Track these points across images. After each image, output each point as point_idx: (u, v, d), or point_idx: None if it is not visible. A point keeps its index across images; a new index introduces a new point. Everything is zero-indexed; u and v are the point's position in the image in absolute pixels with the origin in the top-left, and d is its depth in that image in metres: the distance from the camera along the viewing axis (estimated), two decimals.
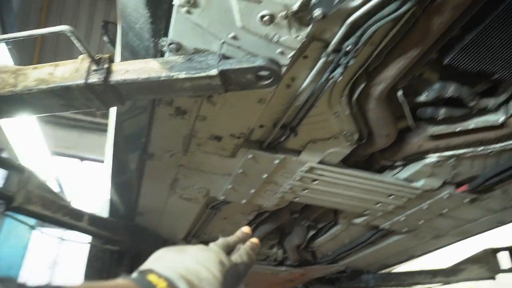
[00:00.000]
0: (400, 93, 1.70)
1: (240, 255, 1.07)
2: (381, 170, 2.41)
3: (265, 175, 2.33)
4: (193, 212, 2.99)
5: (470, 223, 2.86)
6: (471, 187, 2.34)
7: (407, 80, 1.68)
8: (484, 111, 1.85)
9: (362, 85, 1.65)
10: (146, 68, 1.47)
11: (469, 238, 3.22)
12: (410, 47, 1.47)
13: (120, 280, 0.83)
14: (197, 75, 1.43)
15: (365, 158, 2.32)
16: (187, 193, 2.66)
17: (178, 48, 1.46)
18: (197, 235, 3.57)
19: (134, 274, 0.87)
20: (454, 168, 2.23)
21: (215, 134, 1.99)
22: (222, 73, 1.42)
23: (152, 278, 0.82)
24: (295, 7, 1.28)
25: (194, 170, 2.36)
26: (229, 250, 1.10)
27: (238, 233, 1.23)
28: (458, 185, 2.41)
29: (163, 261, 0.92)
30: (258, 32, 1.37)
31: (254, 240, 1.22)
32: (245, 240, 1.20)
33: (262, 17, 1.31)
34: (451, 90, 1.65)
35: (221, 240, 1.12)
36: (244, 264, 1.04)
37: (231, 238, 1.16)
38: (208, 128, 1.94)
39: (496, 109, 1.84)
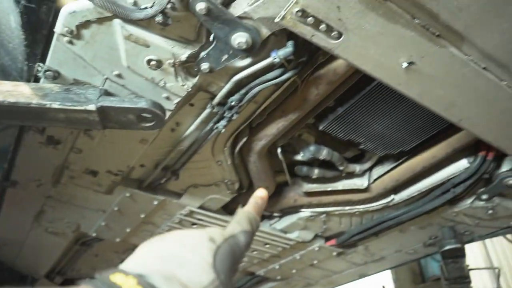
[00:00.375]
0: (279, 150, 1.79)
1: (238, 221, 0.85)
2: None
3: (142, 215, 2.23)
4: (59, 248, 2.71)
5: (336, 274, 3.05)
6: (339, 242, 2.51)
7: (287, 139, 1.78)
8: (351, 175, 2.03)
9: (244, 139, 1.71)
10: (15, 92, 1.33)
11: None
12: (290, 110, 1.57)
13: (82, 285, 0.65)
14: (73, 107, 1.34)
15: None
16: (54, 226, 2.41)
17: (56, 76, 1.37)
18: (62, 271, 3.24)
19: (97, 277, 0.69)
20: (324, 223, 2.38)
21: (91, 168, 1.87)
22: (101, 110, 1.35)
23: (116, 278, 0.65)
24: (183, 57, 1.29)
25: (65, 203, 2.16)
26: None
27: (252, 200, 0.98)
28: (328, 239, 2.58)
29: (138, 255, 0.76)
30: (144, 74, 1.35)
31: (257, 194, 0.98)
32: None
33: (149, 61, 1.30)
34: (324, 153, 1.79)
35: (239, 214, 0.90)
36: (244, 232, 0.82)
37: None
38: (84, 161, 1.82)
39: (361, 175, 2.03)
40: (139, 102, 1.37)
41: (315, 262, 2.81)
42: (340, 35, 1.17)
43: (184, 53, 1.29)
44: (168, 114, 1.49)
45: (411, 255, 2.73)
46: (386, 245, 2.59)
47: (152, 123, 1.43)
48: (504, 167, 1.84)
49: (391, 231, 2.39)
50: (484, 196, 1.97)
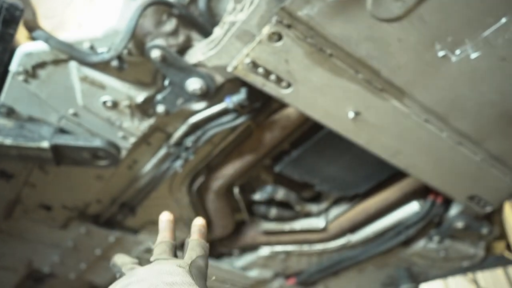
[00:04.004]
0: (236, 190, 1.82)
1: (191, 249, 0.86)
2: (219, 256, 2.46)
3: (99, 251, 2.18)
4: (9, 284, 2.60)
5: None
6: (299, 281, 2.51)
7: (244, 179, 1.81)
8: (309, 215, 2.07)
9: (202, 179, 1.73)
10: None
11: None
12: (246, 152, 1.61)
13: None
14: (25, 144, 1.34)
15: None
16: (4, 261, 2.32)
17: (10, 113, 1.36)
18: None
19: None
20: (284, 262, 2.38)
21: (45, 203, 1.83)
22: (55, 147, 1.36)
23: None
24: (139, 99, 1.32)
25: (16, 237, 2.10)
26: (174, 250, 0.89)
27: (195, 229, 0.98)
28: (288, 277, 2.57)
29: None
30: (99, 114, 1.36)
31: (197, 222, 0.98)
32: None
33: (105, 102, 1.32)
34: (281, 194, 1.83)
35: (162, 246, 0.88)
36: (201, 257, 0.84)
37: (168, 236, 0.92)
38: (38, 196, 1.78)
39: (318, 215, 2.07)
40: (94, 141, 1.38)
41: None
42: (289, 85, 1.23)
43: (140, 95, 1.32)
44: (124, 153, 1.50)
45: None
46: (346, 284, 2.60)
47: (107, 162, 1.44)
48: (453, 211, 1.92)
49: (350, 271, 2.41)
50: (436, 238, 2.04)
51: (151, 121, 1.41)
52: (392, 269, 2.39)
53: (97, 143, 1.37)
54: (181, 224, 2.04)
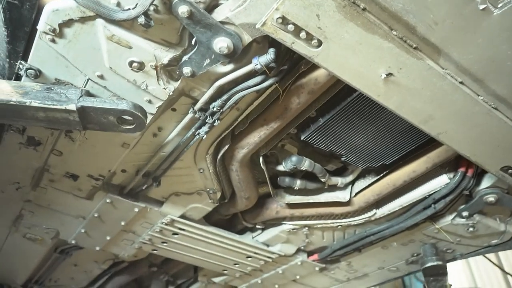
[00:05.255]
0: (261, 159, 1.79)
1: None
2: (242, 231, 2.46)
3: (123, 223, 2.21)
4: (37, 255, 2.66)
5: None
6: (321, 257, 2.49)
7: (269, 148, 1.78)
8: (334, 188, 2.03)
9: (226, 146, 1.71)
10: None
11: None
12: (272, 119, 1.58)
13: None
14: (53, 106, 1.34)
15: (228, 217, 2.36)
16: (33, 232, 2.37)
17: (37, 75, 1.37)
18: (40, 281, 3.17)
19: None
20: (307, 237, 2.37)
21: (71, 172, 1.85)
22: (82, 110, 1.35)
23: None
24: (165, 60, 1.30)
25: (44, 207, 2.13)
26: None
27: None
28: (310, 254, 2.56)
29: None
30: (126, 76, 1.35)
31: None
32: None
33: (131, 62, 1.30)
34: (306, 164, 1.79)
35: None
36: None
37: None
38: (64, 164, 1.80)
39: (344, 188, 2.04)
40: (120, 103, 1.37)
41: (297, 277, 2.78)
42: (320, 43, 1.18)
43: (166, 56, 1.30)
44: (149, 118, 1.49)
45: (394, 273, 2.71)
46: (369, 261, 2.57)
47: (133, 126, 1.43)
48: (484, 184, 1.86)
49: (374, 247, 2.38)
50: (465, 213, 1.98)
51: (176, 84, 1.39)
52: (417, 246, 2.34)
53: (123, 105, 1.35)
54: (205, 196, 2.04)
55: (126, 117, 1.40)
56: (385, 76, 1.26)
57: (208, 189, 1.99)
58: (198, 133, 1.58)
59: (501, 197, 1.85)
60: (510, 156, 1.58)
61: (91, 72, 1.36)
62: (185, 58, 1.31)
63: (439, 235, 2.19)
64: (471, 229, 2.09)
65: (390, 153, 1.75)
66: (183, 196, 2.04)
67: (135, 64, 1.31)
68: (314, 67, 1.41)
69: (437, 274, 2.32)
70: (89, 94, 1.41)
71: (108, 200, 2.01)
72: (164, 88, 1.39)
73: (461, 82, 1.29)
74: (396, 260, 2.53)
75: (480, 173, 1.84)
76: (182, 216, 2.16)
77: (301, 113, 1.58)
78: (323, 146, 1.73)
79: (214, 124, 1.53)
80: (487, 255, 4.31)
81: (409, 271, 2.67)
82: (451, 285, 2.61)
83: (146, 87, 1.38)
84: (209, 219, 2.29)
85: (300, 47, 1.20)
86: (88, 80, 1.39)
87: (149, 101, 1.43)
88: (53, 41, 1.26)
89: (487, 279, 4.72)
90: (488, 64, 1.25)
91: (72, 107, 1.34)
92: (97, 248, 2.48)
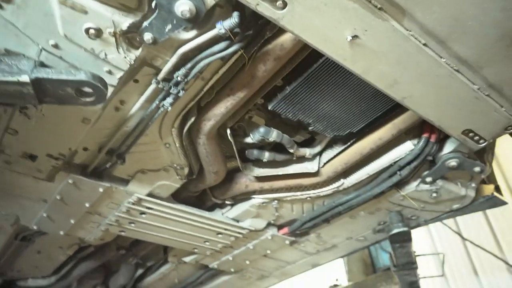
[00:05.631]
0: (229, 131, 1.76)
1: None
2: (212, 208, 2.43)
3: (87, 204, 2.13)
4: None
5: (290, 264, 3.06)
6: (291, 230, 2.51)
7: (236, 120, 1.76)
8: (302, 159, 2.04)
9: (193, 119, 1.67)
10: None
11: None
12: (238, 88, 1.55)
13: None
14: (4, 79, 1.25)
15: (197, 194, 2.32)
16: None
17: None
18: (1, 271, 3.03)
19: None
20: (276, 210, 2.37)
21: (29, 152, 1.75)
22: (36, 82, 1.27)
23: None
24: (124, 26, 1.24)
25: (1, 192, 2.02)
26: None
27: None
28: (280, 227, 2.58)
29: None
30: (82, 44, 1.28)
31: None
32: None
33: (88, 29, 1.23)
34: (274, 135, 1.78)
35: None
36: None
37: None
38: (21, 144, 1.70)
39: (312, 159, 2.05)
40: (78, 74, 1.30)
41: (268, 252, 2.80)
42: (285, 4, 1.16)
43: (125, 21, 1.23)
44: (110, 90, 1.43)
45: (362, 242, 2.78)
46: (338, 232, 2.62)
47: (93, 98, 1.36)
48: (446, 149, 1.91)
49: (342, 217, 2.42)
50: (428, 179, 2.04)
51: (138, 53, 1.33)
52: (384, 214, 2.41)
53: (82, 76, 1.28)
54: (173, 173, 1.99)
55: (85, 89, 1.33)
56: (351, 38, 1.25)
57: (175, 165, 1.94)
58: (163, 105, 1.53)
59: (462, 162, 1.91)
60: (471, 119, 1.63)
61: (44, 41, 1.27)
62: (145, 23, 1.25)
63: (404, 202, 2.25)
64: (434, 194, 2.16)
65: (357, 121, 1.77)
66: (150, 173, 1.98)
67: (92, 31, 1.24)
68: (280, 32, 1.38)
69: (403, 241, 2.40)
70: (43, 65, 1.32)
71: (70, 181, 1.93)
72: (124, 57, 1.33)
73: (424, 44, 1.31)
74: (363, 230, 2.60)
75: (442, 139, 1.90)
76: (150, 195, 2.11)
77: (268, 82, 1.56)
78: (291, 115, 1.72)
79: (179, 94, 1.48)
80: (447, 223, 4.52)
81: (376, 240, 2.74)
82: (415, 251, 2.71)
83: (105, 56, 1.31)
84: (177, 196, 2.25)
85: (265, 9, 1.16)
86: (41, 50, 1.30)
87: (109, 72, 1.37)
88: (0, 7, 1.17)
89: (448, 245, 4.95)
90: (451, 24, 1.26)
91: (26, 78, 1.26)
92: (61, 233, 2.39)
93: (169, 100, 1.51)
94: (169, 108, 1.53)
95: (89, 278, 3.41)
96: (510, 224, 4.67)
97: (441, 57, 1.35)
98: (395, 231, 2.32)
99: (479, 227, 4.72)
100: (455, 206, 2.32)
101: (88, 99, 1.36)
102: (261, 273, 3.19)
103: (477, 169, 1.96)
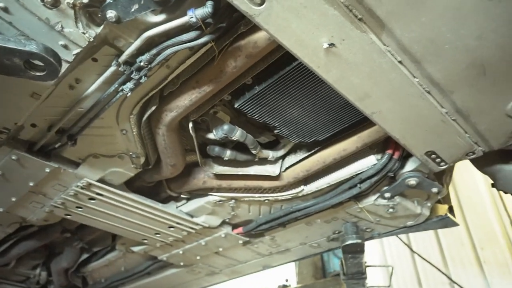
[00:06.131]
0: (191, 125, 1.68)
1: None
2: (166, 199, 2.34)
3: (31, 183, 1.99)
4: None
5: (241, 263, 3.01)
6: (246, 230, 2.46)
7: (200, 114, 1.68)
8: (264, 161, 1.98)
9: (153, 108, 1.57)
10: None
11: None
12: (205, 81, 1.47)
13: None
14: None
15: (151, 184, 2.22)
16: None
17: None
18: None
19: None
20: (233, 209, 2.31)
21: None
22: None
23: None
24: None
25: None
26: None
27: None
28: (235, 226, 2.52)
29: None
30: (36, 12, 1.16)
31: None
32: None
33: None
34: (237, 134, 1.71)
35: None
36: None
37: None
38: None
39: (274, 162, 2.00)
40: (29, 44, 1.17)
41: (220, 249, 2.74)
42: (263, 1, 1.09)
43: None
44: (65, 66, 1.31)
45: (315, 249, 2.77)
46: (292, 237, 2.59)
47: (43, 73, 1.24)
48: (407, 167, 1.91)
49: (298, 223, 2.39)
50: (387, 194, 2.04)
51: (98, 30, 1.22)
52: (339, 224, 2.39)
53: (32, 46, 1.16)
54: (128, 161, 1.89)
55: (35, 61, 1.21)
56: (327, 46, 1.20)
57: (130, 153, 1.84)
58: (122, 90, 1.43)
59: (421, 181, 1.92)
60: (435, 141, 1.62)
61: None
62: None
63: (361, 214, 2.25)
64: (391, 210, 2.16)
65: (323, 129, 1.73)
66: (103, 159, 1.87)
67: None
68: (255, 29, 1.31)
69: (355, 252, 2.40)
70: None
71: (13, 157, 1.78)
72: (83, 33, 1.22)
73: (400, 62, 1.27)
74: (318, 237, 2.58)
75: (405, 157, 1.89)
76: (100, 180, 2.00)
77: (236, 79, 1.49)
78: (257, 116, 1.65)
79: (141, 81, 1.38)
80: (399, 236, 4.61)
81: (329, 247, 2.74)
82: (366, 262, 2.73)
83: (61, 28, 1.20)
84: (131, 185, 2.14)
85: (241, 2, 1.09)
86: None
87: (65, 46, 1.25)
88: None
89: (397, 257, 5.08)
90: (427, 45, 1.23)
91: None
92: (0, 210, 2.23)
93: (130, 85, 1.41)
94: (129, 93, 1.43)
95: (29, 257, 3.24)
96: (456, 241, 4.84)
97: (414, 77, 1.33)
98: (349, 242, 2.32)
99: (428, 242, 4.87)
100: (409, 223, 2.34)
101: (37, 73, 1.24)
102: (211, 269, 3.13)
103: (434, 189, 1.97)
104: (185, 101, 1.53)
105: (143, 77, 1.38)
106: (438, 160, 1.72)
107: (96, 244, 3.11)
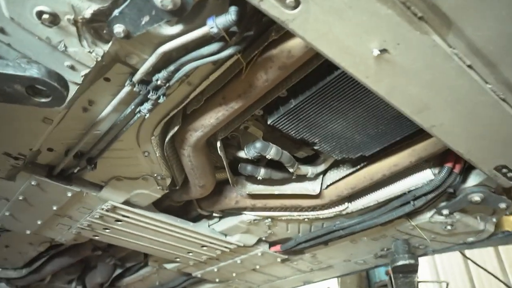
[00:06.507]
0: (219, 144, 1.50)
1: None
2: (197, 218, 2.18)
3: (55, 207, 1.87)
4: None
5: (280, 279, 2.83)
6: (284, 248, 2.27)
7: (229, 132, 1.49)
8: (302, 178, 1.77)
9: (176, 128, 1.40)
10: None
11: None
12: (232, 97, 1.27)
13: None
14: None
15: (181, 204, 2.07)
16: None
17: None
18: None
19: None
20: (269, 228, 2.12)
21: None
22: None
23: None
24: (88, 13, 0.96)
25: None
26: None
27: None
28: (272, 244, 2.33)
29: None
30: (35, 32, 1.00)
31: None
32: None
33: (40, 13, 0.95)
34: (272, 152, 1.51)
35: None
36: None
37: None
38: None
39: (314, 178, 1.78)
40: (29, 68, 1.02)
41: (257, 267, 2.56)
42: (297, 3, 0.88)
43: (89, 7, 0.96)
44: (74, 88, 1.15)
45: (361, 265, 2.54)
46: (335, 254, 2.37)
47: (49, 99, 1.09)
48: (470, 182, 1.65)
49: (342, 241, 2.17)
50: (445, 211, 1.78)
51: (106, 47, 1.05)
52: (389, 241, 2.15)
53: (33, 71, 1.01)
54: (153, 182, 1.73)
55: (38, 86, 1.06)
56: (378, 52, 0.97)
57: (155, 175, 1.68)
58: (139, 111, 1.26)
59: (487, 197, 1.65)
60: (507, 154, 1.36)
61: None
62: (116, 12, 0.97)
63: (413, 231, 2.00)
64: (449, 227, 1.90)
65: (371, 144, 1.50)
66: (126, 181, 1.72)
67: (45, 16, 0.96)
68: (288, 35, 1.10)
69: (408, 272, 2.15)
70: None
71: (33, 183, 1.66)
72: (89, 52, 1.05)
73: (469, 66, 1.03)
74: (364, 254, 2.35)
75: (467, 168, 1.63)
76: (126, 202, 1.86)
77: (269, 92, 1.28)
78: (294, 133, 1.45)
79: (159, 101, 1.21)
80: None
81: (376, 264, 2.50)
82: (418, 278, 2.47)
83: (65, 48, 1.04)
84: (159, 204, 1.99)
85: (270, 7, 0.88)
86: None
87: (72, 67, 1.09)
88: None
89: (451, 273, 4.65)
90: (505, 44, 0.98)
91: None
92: (28, 232, 2.15)
93: (147, 106, 1.23)
94: (147, 114, 1.26)
95: (64, 272, 3.19)
96: None
97: (486, 83, 1.08)
98: (400, 263, 2.07)
99: (485, 252, 4.43)
100: (470, 240, 2.07)
101: (43, 100, 1.09)
102: (248, 285, 2.96)
103: (502, 205, 1.70)
104: (211, 119, 1.34)
105: (161, 96, 1.20)
106: (510, 174, 1.46)
107: (128, 260, 3.01)
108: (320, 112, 1.34)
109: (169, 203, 2.02)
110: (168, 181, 1.71)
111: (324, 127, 1.41)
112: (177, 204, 2.04)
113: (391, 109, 1.30)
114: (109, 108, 1.30)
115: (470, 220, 1.88)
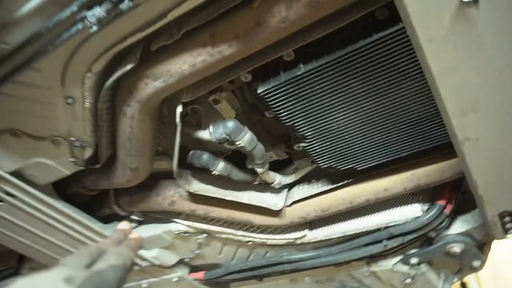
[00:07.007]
0: (179, 109, 1.08)
1: (105, 259, 0.77)
2: (109, 218, 1.66)
3: None
4: None
5: None
6: (208, 277, 1.82)
7: (197, 95, 1.08)
8: (265, 188, 1.40)
9: (129, 66, 0.96)
10: None
11: None
12: (225, 37, 0.89)
13: None
14: None
15: (93, 193, 1.55)
16: None
17: None
18: None
19: None
20: (199, 247, 1.68)
21: None
22: None
23: None
24: None
25: None
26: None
27: (113, 234, 0.96)
28: (194, 269, 1.87)
29: None
30: None
31: (133, 236, 0.97)
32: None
33: None
34: (246, 138, 1.12)
35: (83, 252, 0.76)
36: (113, 267, 0.74)
37: (100, 244, 0.84)
38: None
39: (278, 191, 1.42)
40: None
41: None
42: None
43: None
44: None
45: None
46: None
47: None
48: (454, 229, 1.41)
49: (280, 278, 1.79)
50: (414, 260, 1.51)
51: None
52: (334, 287, 1.82)
53: None
54: (65, 149, 1.23)
55: None
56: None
57: (72, 139, 1.19)
58: (84, 18, 0.82)
59: (467, 249, 1.42)
60: None
61: None
62: None
63: (367, 279, 1.70)
64: (408, 280, 1.62)
65: (371, 155, 1.18)
66: (26, 140, 1.20)
67: None
68: None
69: None
70: None
71: None
72: None
73: None
74: None
75: (454, 212, 1.40)
76: (16, 173, 1.31)
77: (276, 44, 0.93)
78: (285, 115, 1.08)
79: (121, 6, 0.79)
80: None
81: None
82: None
83: None
84: (62, 189, 1.47)
85: None
86: None
87: None
88: None
89: None
90: None
91: None
92: None
93: (99, 11, 0.80)
94: (95, 27, 0.82)
95: None
96: None
97: None
98: None
99: None
100: None
101: None
102: None
103: (476, 263, 1.48)
104: (183, 65, 0.94)
105: (127, 1, 0.78)
106: (509, 225, 1.24)
107: None
108: (330, 92, 1.01)
109: (77, 190, 1.50)
110: (89, 152, 1.22)
111: (325, 117, 1.07)
112: (88, 192, 1.52)
113: (418, 109, 1.02)
114: (30, 4, 0.84)
115: (432, 276, 1.63)
